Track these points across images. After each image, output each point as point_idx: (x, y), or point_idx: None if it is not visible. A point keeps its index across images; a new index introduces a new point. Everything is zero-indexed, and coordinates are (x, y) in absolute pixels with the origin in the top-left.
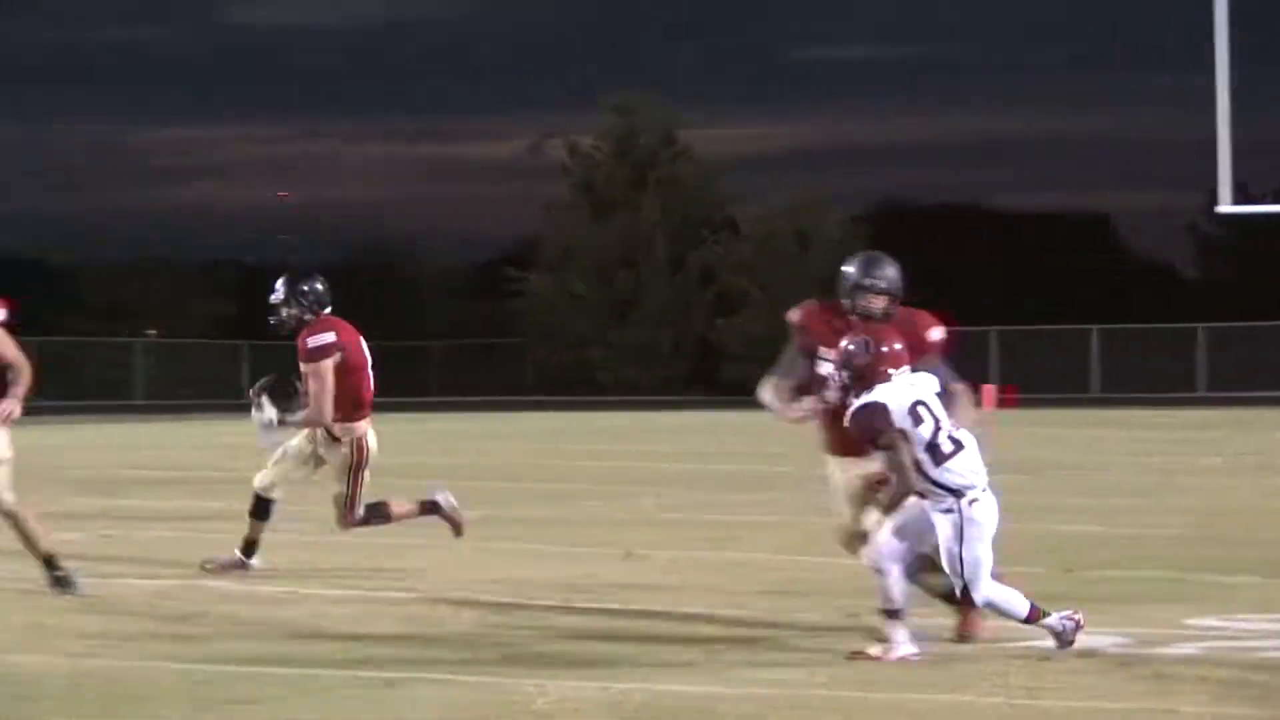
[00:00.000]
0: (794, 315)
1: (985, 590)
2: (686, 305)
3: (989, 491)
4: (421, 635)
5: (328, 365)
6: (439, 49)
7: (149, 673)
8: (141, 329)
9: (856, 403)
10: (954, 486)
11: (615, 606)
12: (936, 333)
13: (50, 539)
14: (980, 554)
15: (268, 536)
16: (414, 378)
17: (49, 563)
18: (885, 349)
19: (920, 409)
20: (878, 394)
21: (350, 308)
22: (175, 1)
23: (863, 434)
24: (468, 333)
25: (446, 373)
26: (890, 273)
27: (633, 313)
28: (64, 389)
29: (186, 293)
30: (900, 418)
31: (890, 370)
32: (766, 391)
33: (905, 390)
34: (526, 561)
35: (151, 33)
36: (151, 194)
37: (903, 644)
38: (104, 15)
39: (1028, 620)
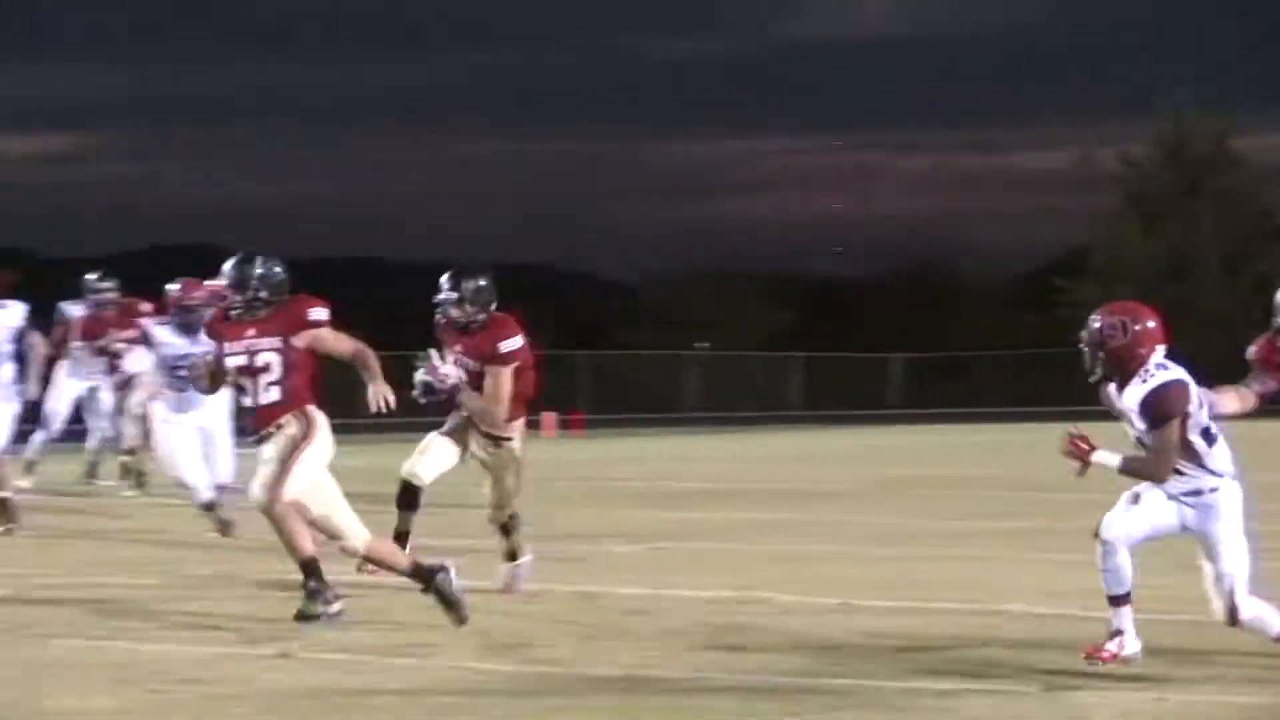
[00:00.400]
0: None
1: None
2: (1238, 317)
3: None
4: (976, 644)
5: (509, 371)
6: (985, 60)
7: (700, 684)
8: (692, 341)
9: (1155, 382)
10: (1219, 471)
11: (1171, 618)
12: None
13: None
14: (1237, 549)
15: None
16: (958, 387)
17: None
18: (1140, 327)
19: (1198, 393)
20: (1176, 372)
21: (890, 317)
22: (724, 16)
23: (1160, 415)
24: (1014, 343)
25: (993, 381)
26: None
27: (1180, 324)
28: (617, 401)
29: (740, 305)
30: (1193, 398)
31: (1148, 351)
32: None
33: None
34: (1088, 572)
35: (700, 48)
36: (697, 206)
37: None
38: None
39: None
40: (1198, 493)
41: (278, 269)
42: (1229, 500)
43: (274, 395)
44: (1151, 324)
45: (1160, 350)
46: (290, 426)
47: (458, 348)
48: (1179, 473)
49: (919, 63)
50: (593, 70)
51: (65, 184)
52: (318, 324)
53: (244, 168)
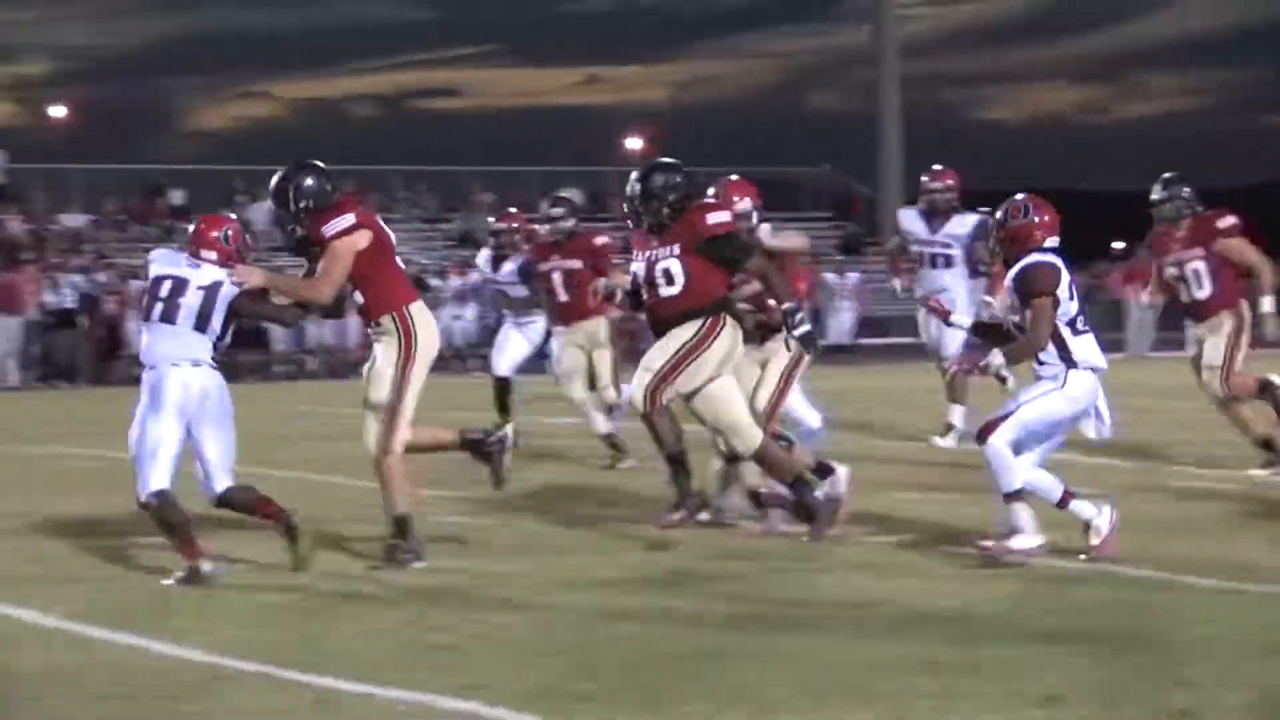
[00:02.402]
0: None
1: (1004, 441)
2: None
3: (1099, 384)
4: None
5: None
6: None
7: None
8: None
9: (1025, 261)
10: (1078, 360)
11: None
12: None
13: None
14: (1045, 415)
15: None
16: None
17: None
18: (1042, 216)
19: (1073, 287)
20: (1050, 255)
21: None
22: None
23: (1029, 289)
24: None
25: None
26: None
27: None
28: None
29: None
30: (1063, 284)
31: (1045, 238)
32: None
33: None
34: None
35: None
36: None
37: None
38: None
39: (1060, 504)
40: (1054, 379)
41: None
42: (1077, 382)
43: None
44: (1048, 216)
45: (1052, 240)
46: None
47: None
48: (1040, 362)
49: None
50: None
51: None
52: None
53: None
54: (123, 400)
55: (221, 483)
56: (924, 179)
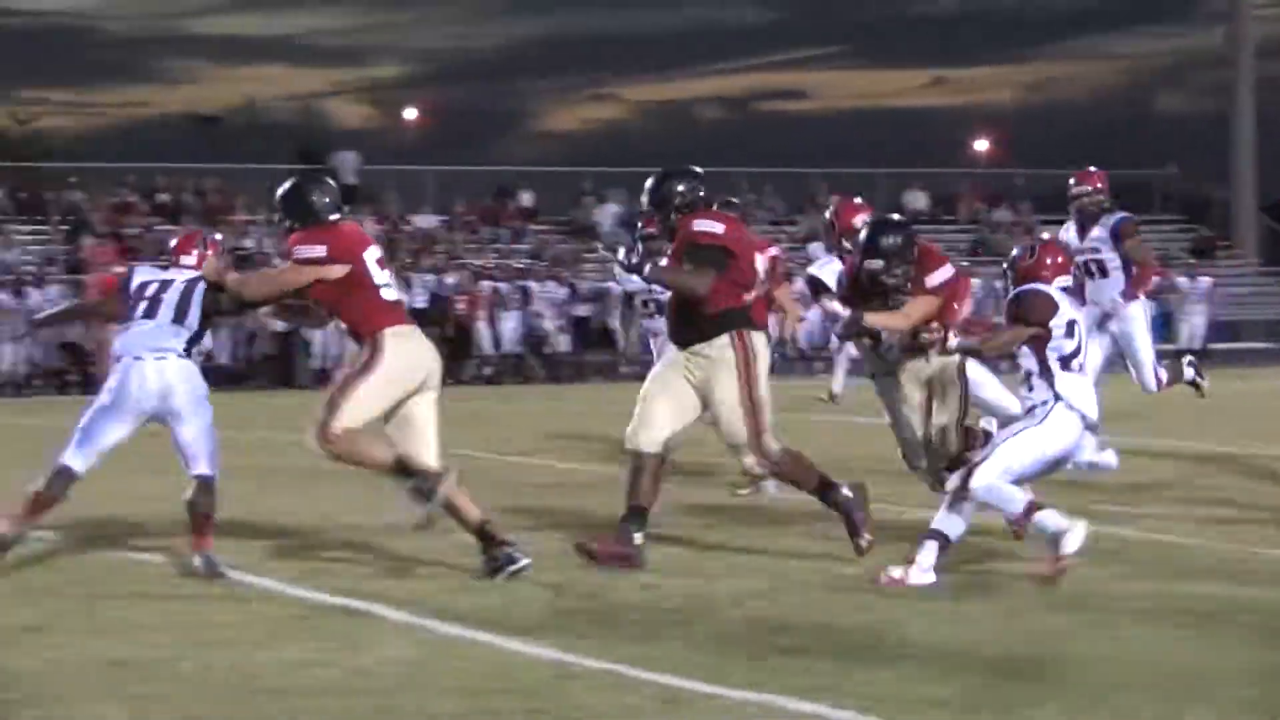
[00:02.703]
0: None
1: (984, 482)
2: None
3: (1085, 429)
4: None
5: None
6: None
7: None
8: None
9: (1025, 287)
10: (1063, 395)
11: None
12: None
13: None
14: (1024, 454)
15: None
16: None
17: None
18: (1053, 259)
19: (1076, 328)
20: (1052, 290)
21: None
22: None
23: (1016, 314)
24: None
25: None
26: None
27: None
28: None
29: None
30: (1058, 319)
31: (1053, 278)
32: None
33: (1067, 302)
34: None
35: None
36: None
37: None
38: None
39: (1025, 515)
40: (1039, 405)
41: None
42: (1059, 420)
43: None
44: (1059, 259)
45: (1061, 281)
46: None
47: None
48: (1030, 386)
49: None
50: None
51: None
52: None
53: None
54: (476, 400)
55: (198, 467)
56: (1070, 183)
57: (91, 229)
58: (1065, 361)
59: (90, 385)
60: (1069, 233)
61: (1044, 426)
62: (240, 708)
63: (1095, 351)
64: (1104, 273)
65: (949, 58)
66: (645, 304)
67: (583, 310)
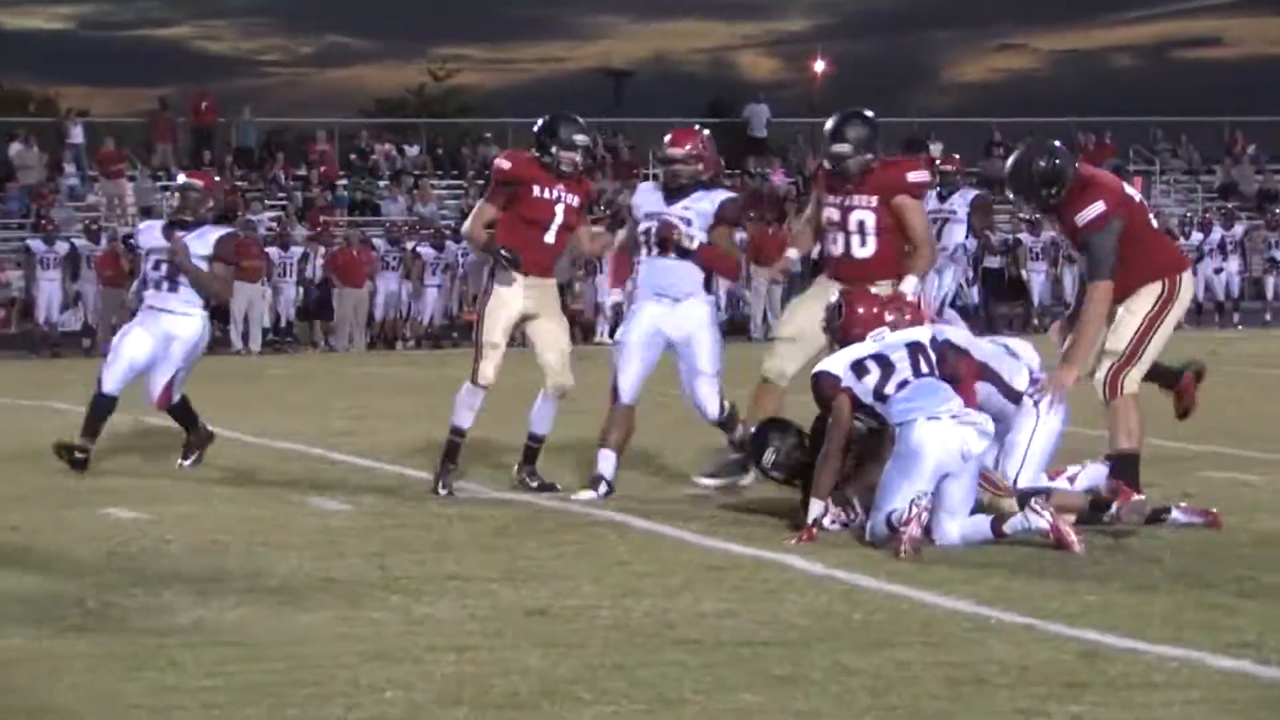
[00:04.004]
0: None
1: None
2: None
3: (944, 422)
4: None
5: None
6: None
7: None
8: None
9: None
10: (899, 420)
11: None
12: None
13: None
14: (895, 477)
15: None
16: None
17: None
18: (857, 310)
19: (868, 362)
20: (824, 363)
21: None
22: None
23: (819, 401)
24: None
25: None
26: None
27: None
28: None
29: None
30: (845, 376)
31: (861, 332)
32: None
33: (853, 350)
34: None
35: None
36: None
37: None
38: None
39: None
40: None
41: None
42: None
43: None
44: (875, 310)
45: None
46: None
47: None
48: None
49: None
50: None
51: None
52: None
53: None
54: None
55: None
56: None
57: None
58: (880, 396)
59: None
60: None
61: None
62: (656, 656)
63: None
64: None
65: None
66: None
67: (993, 262)
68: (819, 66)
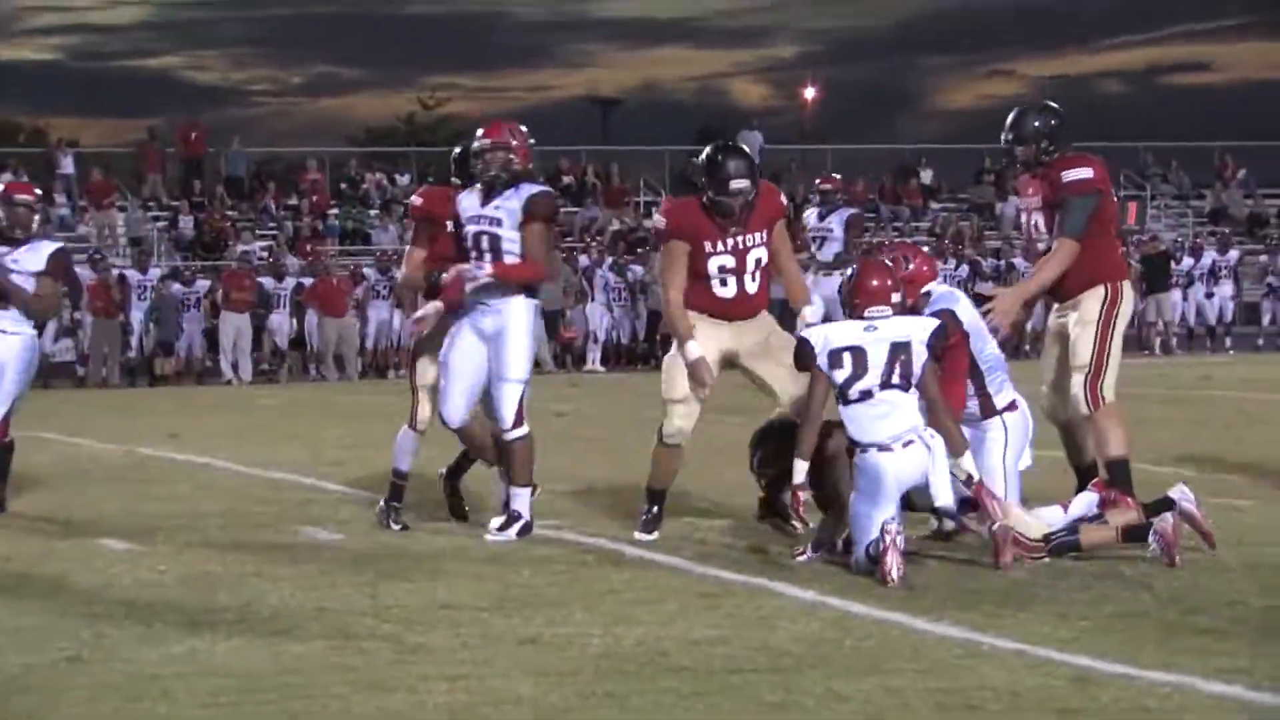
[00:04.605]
0: None
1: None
2: None
3: (896, 452)
4: None
5: None
6: None
7: None
8: None
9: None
10: (852, 436)
11: None
12: None
13: None
14: (862, 508)
15: None
16: None
17: None
18: (869, 282)
19: (845, 356)
20: (812, 332)
21: None
22: None
23: (799, 365)
24: None
25: None
26: None
27: None
28: None
29: None
30: (821, 357)
31: (866, 307)
32: None
33: (841, 333)
34: None
35: None
36: None
37: None
38: None
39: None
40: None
41: None
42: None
43: None
44: (875, 283)
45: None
46: None
47: None
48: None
49: None
50: None
51: None
52: None
53: None
54: None
55: None
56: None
57: None
58: (841, 395)
59: None
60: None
61: (859, 475)
62: (648, 684)
63: None
64: None
65: None
66: None
67: (985, 287)
68: (809, 93)
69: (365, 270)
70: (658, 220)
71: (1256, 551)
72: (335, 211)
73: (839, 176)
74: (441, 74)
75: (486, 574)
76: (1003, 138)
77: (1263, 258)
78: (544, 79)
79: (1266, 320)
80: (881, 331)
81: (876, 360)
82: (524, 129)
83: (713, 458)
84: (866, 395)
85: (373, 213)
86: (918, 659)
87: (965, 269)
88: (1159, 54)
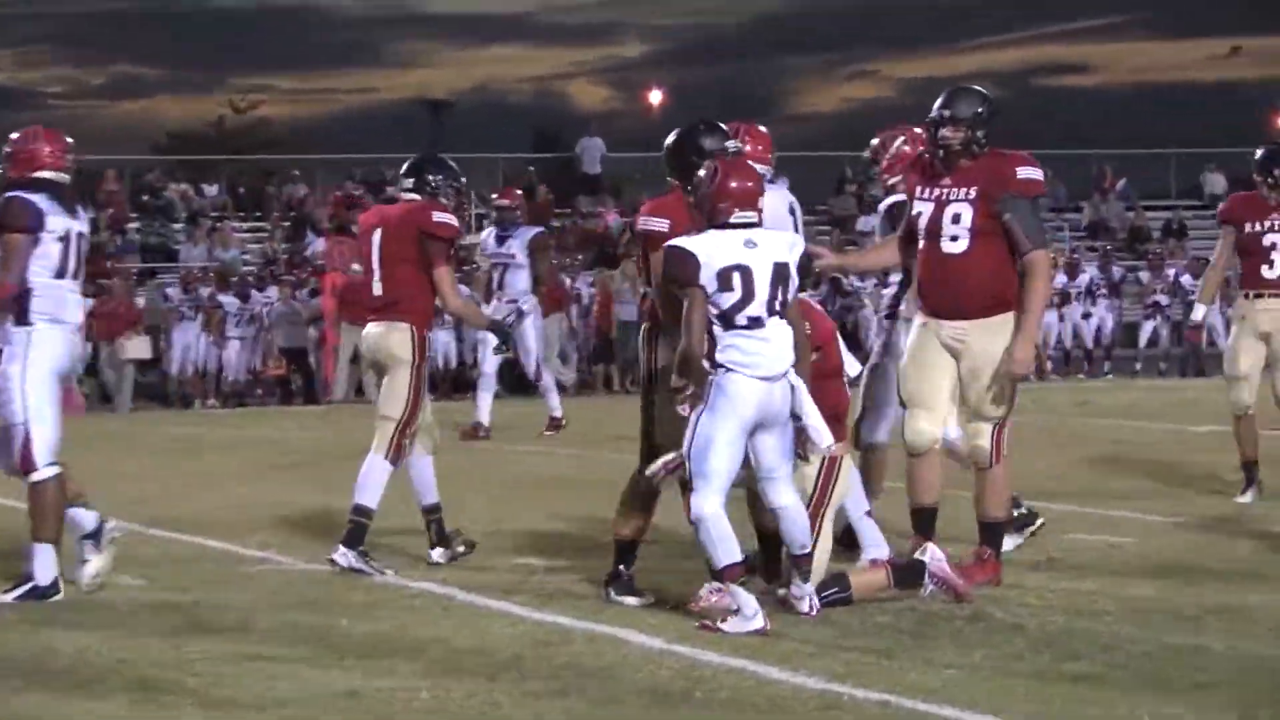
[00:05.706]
0: None
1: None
2: None
3: (774, 381)
4: None
5: None
6: None
7: None
8: None
9: (674, 241)
10: (724, 362)
11: None
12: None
13: None
14: (714, 434)
15: None
16: None
17: None
18: (733, 182)
19: (735, 275)
20: (694, 242)
21: None
22: None
23: (663, 277)
24: None
25: None
26: None
27: None
28: None
29: None
30: (707, 275)
31: (734, 209)
32: None
33: (722, 248)
34: None
35: None
36: None
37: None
38: None
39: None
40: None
41: None
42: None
43: None
44: (750, 184)
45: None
46: None
47: None
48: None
49: None
50: None
51: None
52: None
53: None
54: None
55: None
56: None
57: (315, 225)
58: (725, 319)
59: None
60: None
61: (718, 395)
62: None
63: None
64: None
65: (1248, 24)
66: None
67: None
68: (655, 96)
69: (169, 291)
70: (651, 224)
71: (1136, 591)
72: (135, 225)
73: (520, 192)
74: (254, 74)
75: (301, 622)
76: (934, 114)
77: (1144, 274)
78: (369, 79)
79: (1144, 342)
80: (763, 249)
81: (761, 282)
82: None
83: (545, 490)
84: (756, 323)
85: (177, 227)
86: (773, 712)
87: (825, 286)
88: (1033, 54)
